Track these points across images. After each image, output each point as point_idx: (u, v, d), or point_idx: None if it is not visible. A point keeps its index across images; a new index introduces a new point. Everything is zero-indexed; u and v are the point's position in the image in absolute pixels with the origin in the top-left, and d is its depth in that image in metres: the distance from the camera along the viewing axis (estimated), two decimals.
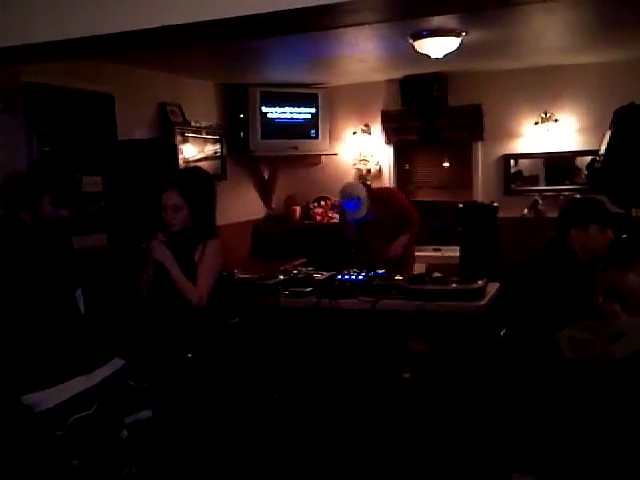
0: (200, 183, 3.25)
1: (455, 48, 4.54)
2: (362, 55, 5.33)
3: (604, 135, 5.65)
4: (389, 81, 6.56)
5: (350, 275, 4.29)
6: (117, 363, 2.84)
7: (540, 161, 6.37)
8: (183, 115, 5.83)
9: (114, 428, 2.70)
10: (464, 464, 3.51)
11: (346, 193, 4.82)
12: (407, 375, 4.60)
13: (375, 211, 4.76)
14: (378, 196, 4.88)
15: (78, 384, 2.64)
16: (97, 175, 4.37)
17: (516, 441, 3.29)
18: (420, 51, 4.58)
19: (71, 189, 2.79)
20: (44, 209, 2.70)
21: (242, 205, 6.87)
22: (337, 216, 6.83)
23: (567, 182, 6.27)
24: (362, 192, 4.77)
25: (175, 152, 4.55)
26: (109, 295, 3.70)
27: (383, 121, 6.76)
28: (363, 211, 4.73)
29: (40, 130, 4.39)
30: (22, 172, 3.06)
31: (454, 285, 4.10)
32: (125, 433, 2.72)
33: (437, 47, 4.49)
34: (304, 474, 3.58)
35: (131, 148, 4.46)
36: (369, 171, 6.88)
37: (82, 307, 2.90)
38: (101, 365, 2.76)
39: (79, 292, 2.90)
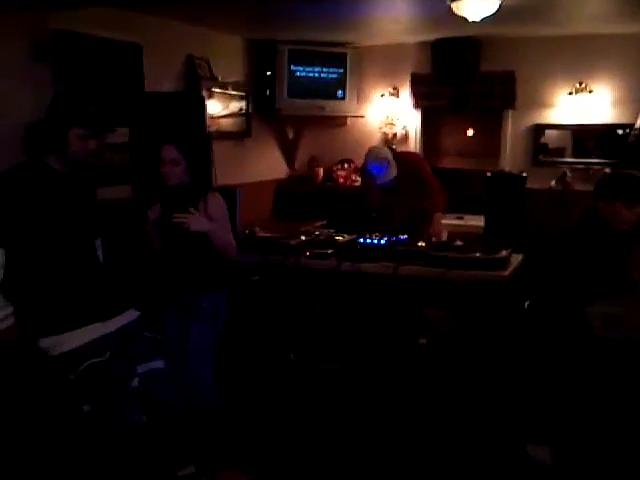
0: (197, 139, 3.29)
1: (494, 11, 4.40)
2: (396, 14, 5.19)
3: None
4: (421, 43, 6.41)
5: (372, 239, 4.26)
6: (133, 314, 2.86)
7: (570, 133, 6.22)
8: (210, 70, 5.76)
9: (126, 376, 2.71)
10: (479, 434, 3.51)
11: (373, 156, 4.74)
12: (424, 341, 4.60)
13: (399, 177, 4.69)
14: (403, 162, 4.79)
15: (93, 330, 2.65)
16: (123, 126, 4.34)
17: (532, 412, 3.28)
18: (457, 13, 4.44)
19: (97, 117, 2.74)
20: (72, 146, 2.64)
21: (265, 164, 6.83)
22: (360, 179, 6.80)
23: (595, 156, 6.13)
24: (389, 156, 4.69)
25: (203, 105, 4.49)
26: (131, 246, 3.71)
27: (412, 84, 6.62)
28: (390, 175, 4.66)
29: (68, 79, 4.34)
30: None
31: (477, 254, 4.06)
32: (137, 382, 2.74)
33: (476, 9, 4.34)
34: (316, 435, 3.60)
35: (158, 100, 4.42)
36: (395, 135, 6.77)
37: (101, 256, 2.90)
38: (117, 314, 2.77)
39: (99, 242, 2.91)
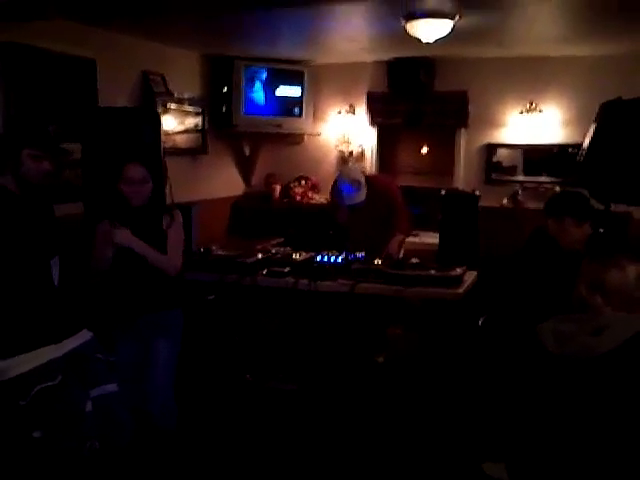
0: (155, 156, 3.28)
1: (447, 32, 4.48)
2: (353, 33, 5.25)
3: (588, 128, 5.66)
4: (377, 62, 6.49)
5: (329, 257, 4.25)
6: (85, 335, 2.79)
7: (521, 151, 6.36)
8: (166, 85, 5.71)
9: (79, 400, 2.64)
10: (436, 451, 3.52)
11: (346, 176, 4.71)
12: (381, 359, 4.60)
13: (369, 198, 4.67)
14: (375, 184, 4.78)
15: (44, 354, 2.58)
16: (76, 142, 4.26)
17: (488, 430, 3.31)
18: (412, 34, 4.51)
19: (49, 139, 2.68)
20: (25, 166, 2.59)
21: (222, 181, 6.79)
22: (316, 196, 6.82)
23: (546, 174, 6.28)
24: (362, 178, 4.69)
25: (158, 122, 4.43)
26: (81, 265, 3.62)
27: (368, 102, 6.69)
28: (360, 197, 4.63)
29: (18, 92, 4.23)
30: None
31: (433, 272, 4.09)
32: (90, 405, 2.67)
33: (430, 30, 4.41)
34: (274, 456, 3.56)
35: (112, 116, 4.34)
36: (351, 153, 6.82)
37: (56, 276, 2.82)
38: (69, 336, 2.70)
39: (55, 260, 2.83)
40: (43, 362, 2.56)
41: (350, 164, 6.16)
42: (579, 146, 5.94)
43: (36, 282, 2.67)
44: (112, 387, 2.79)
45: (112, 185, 3.19)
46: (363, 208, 4.68)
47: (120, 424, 2.76)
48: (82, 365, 2.71)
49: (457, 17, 4.38)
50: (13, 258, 2.59)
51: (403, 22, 4.45)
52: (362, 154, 6.84)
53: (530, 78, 6.15)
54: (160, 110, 5.48)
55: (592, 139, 5.58)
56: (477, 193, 5.79)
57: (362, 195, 4.62)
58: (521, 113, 6.22)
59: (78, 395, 2.66)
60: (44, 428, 2.56)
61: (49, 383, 2.53)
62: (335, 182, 4.84)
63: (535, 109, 6.17)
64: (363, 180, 4.65)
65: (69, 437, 2.59)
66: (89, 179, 4.22)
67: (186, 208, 4.59)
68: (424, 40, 4.54)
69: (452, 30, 4.50)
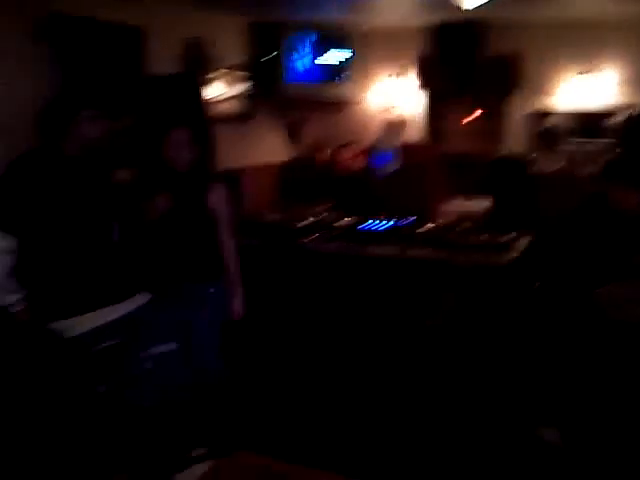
0: (201, 122, 3.22)
1: None
2: None
3: None
4: (427, 27, 6.35)
5: (379, 222, 4.23)
6: (143, 297, 2.84)
7: (577, 116, 6.18)
8: (213, 52, 5.69)
9: (140, 358, 2.71)
10: (488, 417, 3.50)
11: (380, 144, 4.72)
12: (431, 323, 4.57)
13: (406, 163, 4.66)
14: (412, 151, 4.77)
15: (107, 313, 2.66)
16: (125, 108, 4.29)
17: (541, 395, 3.27)
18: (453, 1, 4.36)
19: (106, 100, 2.71)
20: (83, 128, 2.63)
21: (268, 147, 6.78)
22: (364, 162, 6.76)
23: (602, 137, 6.09)
24: (394, 146, 4.67)
25: (201, 88, 4.43)
26: (138, 228, 3.68)
27: (419, 66, 6.57)
28: (394, 165, 4.64)
29: (67, 61, 4.26)
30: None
31: (481, 237, 4.04)
32: (150, 363, 2.73)
33: None
34: (330, 415, 3.60)
35: (157, 84, 4.36)
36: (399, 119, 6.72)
37: (117, 237, 2.87)
38: (127, 298, 2.75)
39: (116, 225, 2.88)
40: (106, 321, 2.64)
41: (384, 132, 6.09)
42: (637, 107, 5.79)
43: (96, 245, 2.73)
44: (171, 346, 2.83)
45: (158, 152, 3.16)
46: (401, 172, 4.66)
47: (179, 381, 2.82)
48: (143, 325, 2.77)
49: None
50: (75, 220, 2.64)
51: None
52: (410, 119, 6.73)
53: (585, 42, 5.93)
54: (207, 77, 5.47)
55: None
56: (533, 155, 5.65)
57: (396, 163, 4.61)
58: (578, 74, 6.00)
59: (138, 354, 2.72)
60: (107, 383, 2.65)
61: (112, 341, 2.62)
62: (370, 151, 4.84)
63: (591, 72, 5.95)
64: (396, 147, 4.63)
65: (131, 393, 2.66)
66: (139, 146, 4.26)
67: (234, 177, 4.61)
68: (464, 7, 4.37)
69: None
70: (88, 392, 2.66)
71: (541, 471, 2.95)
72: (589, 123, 6.14)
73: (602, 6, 5.44)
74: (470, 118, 6.92)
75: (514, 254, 3.92)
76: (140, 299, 2.83)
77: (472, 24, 6.06)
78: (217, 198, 3.15)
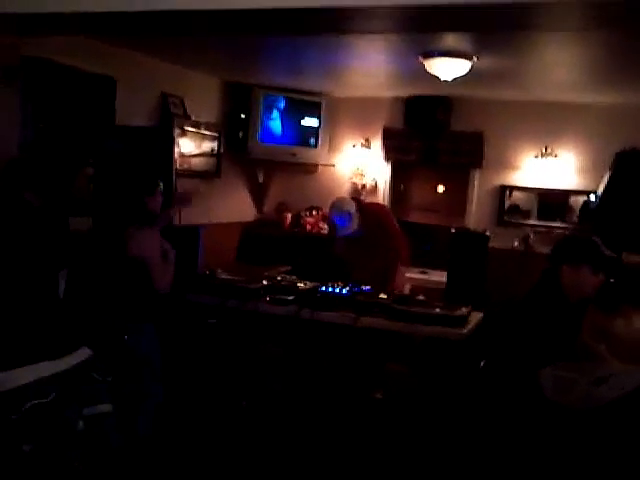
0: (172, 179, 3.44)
1: (465, 72, 4.51)
2: (371, 68, 5.29)
3: (603, 176, 5.65)
4: (394, 98, 6.52)
5: (334, 288, 4.22)
6: (84, 353, 2.76)
7: (534, 195, 6.34)
8: (184, 108, 5.76)
9: (71, 419, 2.61)
10: None
11: (336, 207, 4.76)
12: (379, 396, 4.53)
13: (364, 227, 4.70)
14: (368, 213, 4.82)
15: (40, 369, 2.55)
16: (90, 158, 4.29)
17: (483, 473, 3.22)
18: (430, 71, 4.54)
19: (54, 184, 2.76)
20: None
21: (233, 206, 6.80)
22: (327, 227, 6.81)
23: (559, 219, 6.25)
24: (352, 208, 4.70)
25: (172, 143, 4.46)
26: (87, 279, 3.62)
27: (384, 138, 6.72)
28: (351, 228, 4.67)
29: (36, 106, 4.28)
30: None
31: (438, 310, 4.05)
32: (82, 424, 2.63)
33: (447, 69, 4.44)
34: None
35: (128, 134, 4.38)
36: (364, 186, 6.83)
37: (62, 289, 2.82)
38: (68, 353, 2.67)
39: (63, 273, 2.82)
40: (38, 378, 2.53)
41: (343, 196, 6.14)
42: (593, 193, 5.97)
43: (41, 295, 2.67)
44: (106, 407, 2.76)
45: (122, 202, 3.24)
46: (360, 238, 4.69)
47: (109, 443, 2.72)
48: (77, 383, 2.68)
49: (474, 58, 4.41)
50: (21, 269, 2.59)
51: (421, 59, 4.48)
52: (375, 187, 6.85)
53: (546, 123, 6.16)
54: (177, 132, 5.52)
55: (606, 187, 5.57)
56: (487, 233, 5.75)
57: (353, 226, 4.65)
58: (536, 157, 6.21)
59: (70, 413, 2.62)
60: (34, 443, 2.52)
61: (42, 400, 2.50)
62: (328, 215, 4.89)
63: (550, 154, 6.16)
64: (354, 210, 4.68)
65: (58, 453, 2.55)
66: (100, 195, 4.24)
67: (194, 230, 4.60)
68: (442, 78, 4.57)
69: (470, 70, 4.52)
70: (12, 451, 2.54)
71: None
72: (550, 201, 6.29)
73: (563, 93, 5.68)
74: (434, 189, 7.05)
75: (466, 330, 3.93)
76: (82, 354, 2.75)
77: (438, 99, 6.24)
78: (137, 244, 3.27)
